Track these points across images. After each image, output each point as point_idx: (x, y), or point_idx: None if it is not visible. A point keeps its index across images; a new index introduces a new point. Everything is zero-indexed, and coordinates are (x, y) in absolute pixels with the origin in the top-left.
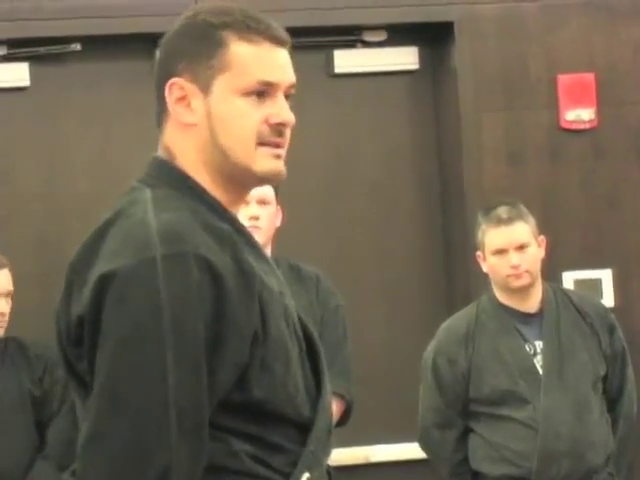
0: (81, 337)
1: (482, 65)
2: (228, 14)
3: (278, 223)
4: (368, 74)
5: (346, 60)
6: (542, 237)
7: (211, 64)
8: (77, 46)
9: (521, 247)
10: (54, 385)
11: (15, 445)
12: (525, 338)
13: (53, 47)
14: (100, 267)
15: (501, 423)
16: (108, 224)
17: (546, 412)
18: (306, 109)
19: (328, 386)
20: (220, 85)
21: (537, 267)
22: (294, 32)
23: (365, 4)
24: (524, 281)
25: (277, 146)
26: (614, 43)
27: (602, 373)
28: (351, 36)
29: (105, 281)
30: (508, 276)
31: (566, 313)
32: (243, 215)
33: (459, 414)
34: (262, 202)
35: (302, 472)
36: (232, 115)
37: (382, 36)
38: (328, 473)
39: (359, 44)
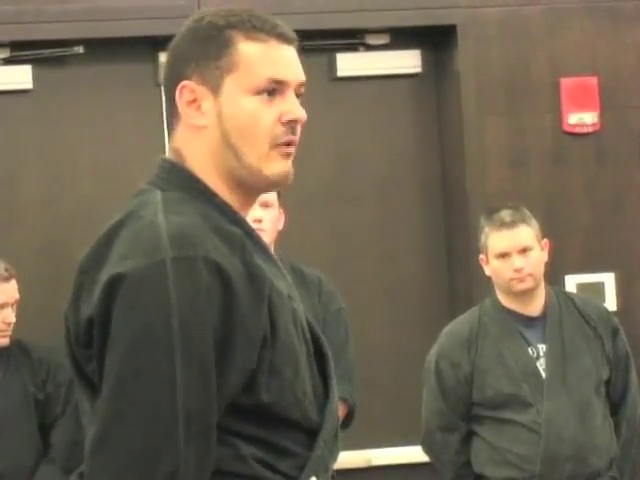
0: (90, 339)
1: (485, 68)
2: (234, 15)
3: (281, 226)
4: (371, 77)
5: (349, 63)
6: (545, 240)
7: (219, 64)
8: (80, 49)
9: (524, 250)
10: (57, 388)
11: (19, 448)
12: (528, 341)
13: (56, 50)
14: (110, 269)
15: (504, 426)
16: (118, 226)
17: (549, 415)
18: (308, 112)
19: (336, 390)
20: (230, 85)
21: (540, 270)
22: (296, 35)
23: (368, 7)
24: (527, 284)
25: (289, 144)
26: (617, 47)
27: (605, 377)
28: (354, 39)
29: (115, 283)
30: (511, 279)
31: (569, 316)
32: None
33: (462, 417)
34: (265, 205)
35: (309, 476)
36: (243, 114)
37: (385, 39)
38: (332, 477)
39: (362, 47)
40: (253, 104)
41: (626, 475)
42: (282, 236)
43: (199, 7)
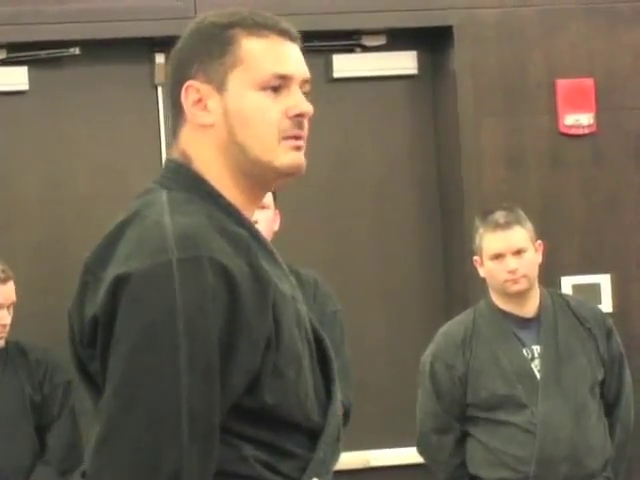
0: (94, 338)
1: (481, 70)
2: (235, 14)
3: (276, 227)
4: (367, 79)
5: (345, 65)
6: (539, 242)
7: (223, 62)
8: (76, 50)
9: (518, 252)
10: (54, 390)
11: (16, 450)
12: (523, 343)
13: (52, 51)
14: (115, 268)
15: (499, 428)
16: (124, 225)
17: (544, 417)
18: None
19: (338, 391)
20: (234, 81)
21: (534, 272)
22: None
23: (364, 8)
24: (521, 286)
25: (298, 138)
26: (613, 48)
27: (600, 378)
28: (350, 40)
29: (120, 283)
30: (505, 281)
31: (564, 318)
32: None
33: (457, 419)
34: (260, 206)
35: (310, 478)
36: (250, 109)
37: (381, 40)
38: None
39: (358, 48)
40: (258, 99)
41: (620, 476)
42: (278, 237)
43: (196, 8)
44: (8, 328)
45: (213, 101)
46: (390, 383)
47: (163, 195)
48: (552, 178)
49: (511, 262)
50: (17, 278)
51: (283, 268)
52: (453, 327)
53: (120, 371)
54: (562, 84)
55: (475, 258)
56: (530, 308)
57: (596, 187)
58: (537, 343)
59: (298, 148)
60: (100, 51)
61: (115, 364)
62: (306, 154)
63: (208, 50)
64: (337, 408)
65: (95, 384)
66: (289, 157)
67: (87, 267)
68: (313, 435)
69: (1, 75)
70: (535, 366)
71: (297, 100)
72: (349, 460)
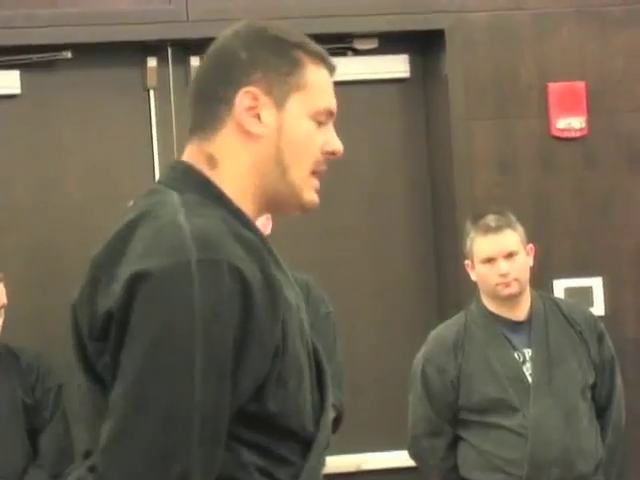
0: (106, 332)
1: (473, 73)
2: (294, 34)
3: (268, 231)
4: (359, 82)
5: (337, 68)
6: (531, 245)
7: (288, 80)
8: (68, 54)
9: (510, 255)
10: (46, 393)
11: (8, 453)
12: (514, 346)
13: (44, 55)
14: (131, 266)
15: (491, 431)
16: (134, 224)
17: (536, 420)
18: None
19: (330, 401)
20: (295, 104)
21: (526, 275)
22: None
23: (356, 12)
24: (513, 289)
25: (320, 177)
26: (605, 52)
27: (591, 381)
28: (342, 44)
29: (138, 280)
30: (497, 285)
31: (555, 321)
32: None
33: (449, 422)
34: None
35: None
36: (303, 136)
37: (373, 44)
38: None
39: (350, 52)
40: (311, 128)
41: (612, 479)
42: (271, 241)
43: (188, 12)
44: None
45: (268, 114)
46: (382, 385)
47: (174, 196)
48: (544, 181)
49: (502, 266)
50: (8, 281)
51: (288, 275)
52: (445, 330)
53: (135, 369)
54: (554, 87)
55: (466, 262)
56: (521, 311)
57: (588, 190)
58: (528, 346)
59: (317, 190)
60: (92, 55)
61: (130, 361)
62: None
63: (275, 63)
64: (329, 418)
65: (100, 380)
66: (313, 196)
67: (97, 263)
68: (306, 443)
69: None
70: (526, 369)
71: (334, 138)
72: (340, 463)
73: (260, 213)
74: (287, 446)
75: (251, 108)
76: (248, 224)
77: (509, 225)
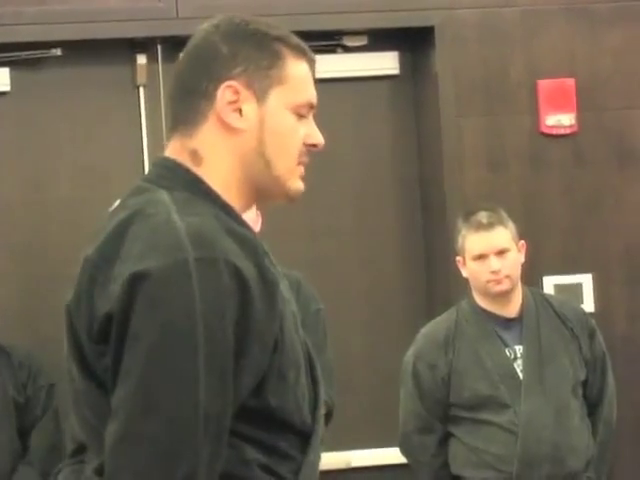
0: (107, 334)
1: (463, 70)
2: (274, 27)
3: (258, 228)
4: (348, 79)
5: (326, 65)
6: (522, 242)
7: (269, 74)
8: (57, 51)
9: (501, 252)
10: (37, 392)
11: None
12: (505, 343)
13: (33, 52)
14: (130, 266)
15: (482, 428)
16: (126, 223)
17: (527, 416)
18: None
19: (323, 394)
20: (276, 97)
21: (517, 272)
22: None
23: (345, 9)
24: (504, 286)
25: (303, 166)
26: (595, 49)
27: (582, 378)
28: (331, 41)
29: (137, 280)
30: (488, 281)
31: (546, 318)
32: None
33: (439, 419)
34: None
35: None
36: (285, 128)
37: (362, 41)
38: None
39: (339, 49)
40: (292, 120)
41: (603, 476)
42: (261, 238)
43: (177, 9)
44: None
45: (250, 108)
46: (372, 383)
47: (164, 194)
48: (533, 178)
49: (494, 263)
50: None
51: (278, 270)
52: (435, 327)
53: (139, 370)
54: (543, 84)
55: (458, 258)
56: (513, 308)
57: (577, 187)
58: (519, 343)
59: (303, 177)
60: (82, 52)
61: (133, 362)
62: None
63: (256, 57)
64: (322, 411)
65: (97, 380)
66: (298, 184)
67: (92, 263)
68: (305, 437)
69: None
70: (517, 366)
71: (315, 131)
72: (330, 460)
73: (247, 206)
74: (287, 440)
75: (232, 102)
76: (237, 219)
77: (500, 222)
